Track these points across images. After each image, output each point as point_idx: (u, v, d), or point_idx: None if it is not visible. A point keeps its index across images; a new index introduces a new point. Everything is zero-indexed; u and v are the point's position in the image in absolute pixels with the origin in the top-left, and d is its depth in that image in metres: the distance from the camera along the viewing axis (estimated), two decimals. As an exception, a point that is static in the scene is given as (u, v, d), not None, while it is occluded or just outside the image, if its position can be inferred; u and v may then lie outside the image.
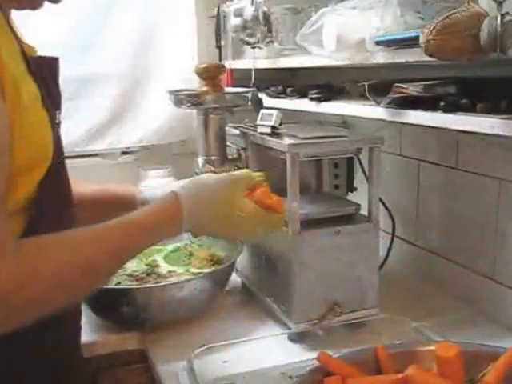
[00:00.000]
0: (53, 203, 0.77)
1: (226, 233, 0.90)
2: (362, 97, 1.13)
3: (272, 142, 1.06)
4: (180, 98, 1.15)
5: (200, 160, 1.22)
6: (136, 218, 0.80)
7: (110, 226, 0.76)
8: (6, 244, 0.63)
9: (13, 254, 0.63)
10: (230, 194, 0.86)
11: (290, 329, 1.07)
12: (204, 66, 1.16)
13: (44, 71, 0.78)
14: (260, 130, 1.11)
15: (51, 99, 0.77)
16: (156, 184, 1.54)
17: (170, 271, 1.26)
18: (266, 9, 1.38)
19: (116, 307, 1.10)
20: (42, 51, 0.81)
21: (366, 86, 1.05)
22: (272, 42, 1.41)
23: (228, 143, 1.23)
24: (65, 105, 0.85)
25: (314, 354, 0.79)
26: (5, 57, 0.66)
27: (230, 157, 1.24)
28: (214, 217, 0.85)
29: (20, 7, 0.79)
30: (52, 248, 0.69)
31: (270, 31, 1.39)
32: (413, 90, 0.94)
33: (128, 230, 0.78)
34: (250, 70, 1.49)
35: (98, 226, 0.75)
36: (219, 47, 1.70)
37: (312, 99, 1.27)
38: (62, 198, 0.83)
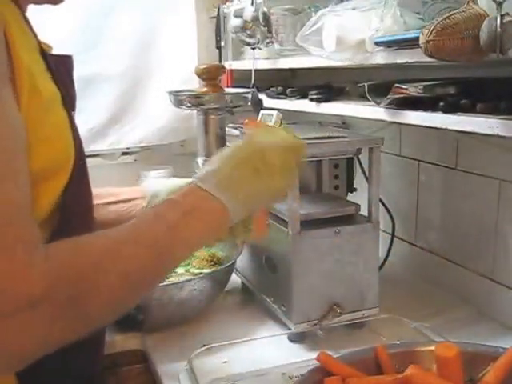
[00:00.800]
0: (77, 209, 0.72)
1: (259, 175, 0.73)
2: (361, 97, 1.14)
3: (272, 142, 1.06)
4: (180, 99, 1.15)
5: (200, 160, 1.22)
6: (165, 209, 0.69)
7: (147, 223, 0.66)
8: (36, 245, 0.56)
9: (44, 252, 0.56)
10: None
11: (289, 329, 1.07)
12: (204, 66, 1.16)
13: (61, 69, 0.74)
14: (260, 130, 1.11)
15: (69, 99, 0.73)
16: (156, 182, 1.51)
17: (170, 271, 1.26)
18: (265, 9, 1.38)
19: (116, 307, 1.10)
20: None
21: (366, 87, 1.06)
22: (272, 42, 1.41)
23: (228, 143, 1.23)
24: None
25: (314, 354, 0.78)
26: (20, 52, 0.61)
27: (230, 157, 1.23)
28: (239, 159, 0.74)
29: (38, 1, 0.74)
30: (87, 241, 0.61)
31: (269, 32, 1.39)
32: (413, 90, 0.94)
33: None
34: (250, 70, 1.49)
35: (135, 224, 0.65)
36: (219, 48, 1.70)
37: (312, 100, 1.27)
38: (85, 203, 0.78)
